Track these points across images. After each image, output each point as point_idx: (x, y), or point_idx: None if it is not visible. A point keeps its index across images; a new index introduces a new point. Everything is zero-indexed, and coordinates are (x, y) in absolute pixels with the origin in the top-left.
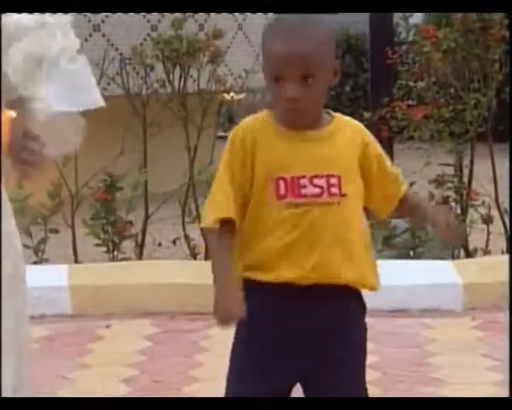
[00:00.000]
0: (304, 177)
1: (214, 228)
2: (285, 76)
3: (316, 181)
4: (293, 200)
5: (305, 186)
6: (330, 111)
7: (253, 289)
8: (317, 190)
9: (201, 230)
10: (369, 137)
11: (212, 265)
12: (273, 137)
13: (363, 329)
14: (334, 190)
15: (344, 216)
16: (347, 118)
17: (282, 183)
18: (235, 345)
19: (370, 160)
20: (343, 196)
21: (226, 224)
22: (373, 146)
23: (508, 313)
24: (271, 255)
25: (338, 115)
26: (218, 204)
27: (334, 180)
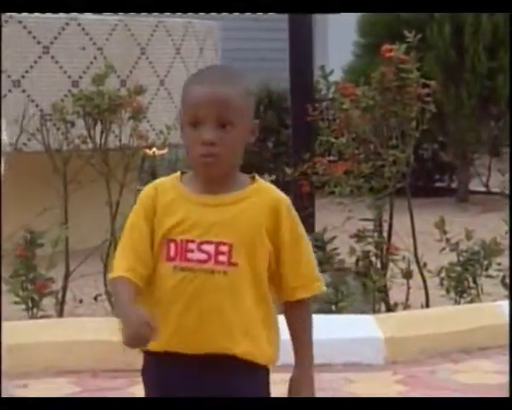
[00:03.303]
0: (193, 241)
1: (115, 279)
2: (203, 120)
3: (204, 247)
4: (179, 263)
5: (192, 251)
6: (257, 177)
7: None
8: (203, 256)
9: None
10: (290, 214)
11: (115, 304)
12: (173, 199)
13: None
14: (223, 258)
15: (232, 286)
16: (271, 187)
17: (172, 245)
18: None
19: (282, 237)
20: (233, 265)
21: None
22: (289, 225)
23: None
24: (161, 321)
25: (260, 182)
26: (118, 262)
27: (224, 248)
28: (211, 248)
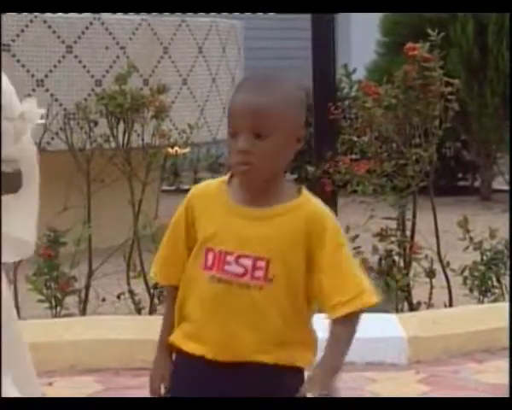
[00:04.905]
0: (231, 254)
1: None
2: (239, 130)
3: (242, 261)
4: (216, 274)
5: (229, 263)
6: (303, 189)
7: (181, 358)
8: (239, 270)
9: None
10: (331, 230)
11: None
12: (214, 205)
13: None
14: (259, 273)
15: (266, 301)
16: (315, 201)
17: (210, 254)
18: None
19: (323, 254)
20: (268, 280)
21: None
22: (331, 242)
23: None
24: (193, 326)
25: (305, 196)
26: (157, 264)
27: (261, 263)
28: (248, 263)
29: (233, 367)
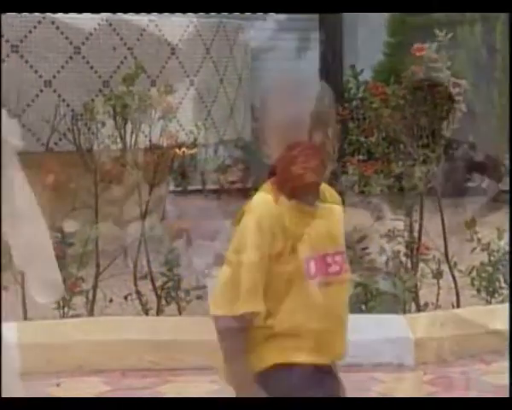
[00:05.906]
0: (328, 254)
1: (234, 317)
2: (295, 146)
3: (336, 258)
4: (322, 279)
5: (330, 264)
6: None
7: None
8: (337, 268)
9: (216, 316)
10: None
11: (230, 359)
12: (293, 215)
13: None
14: (346, 266)
15: (346, 294)
16: (328, 188)
17: (311, 263)
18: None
19: None
20: (347, 272)
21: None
22: None
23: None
24: (308, 338)
25: (324, 185)
26: (247, 295)
27: (344, 256)
28: (340, 259)
29: (328, 370)
